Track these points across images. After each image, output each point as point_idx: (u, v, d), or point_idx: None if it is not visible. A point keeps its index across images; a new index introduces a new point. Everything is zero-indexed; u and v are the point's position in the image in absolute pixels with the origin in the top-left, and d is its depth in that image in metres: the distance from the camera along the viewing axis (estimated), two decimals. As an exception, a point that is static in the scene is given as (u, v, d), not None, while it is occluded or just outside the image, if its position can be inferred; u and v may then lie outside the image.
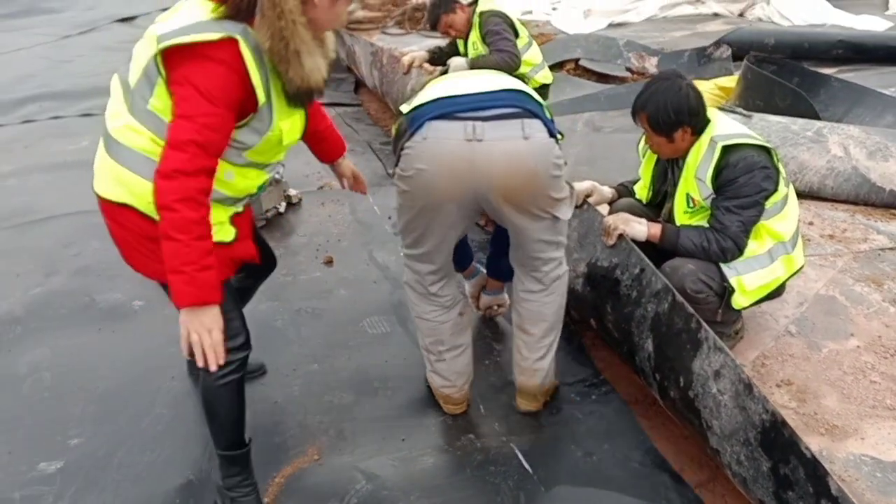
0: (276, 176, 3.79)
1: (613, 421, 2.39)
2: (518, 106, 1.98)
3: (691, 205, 2.48)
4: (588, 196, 2.67)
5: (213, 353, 1.71)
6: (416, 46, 6.98)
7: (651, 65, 6.22)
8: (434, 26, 4.55)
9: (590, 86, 5.93)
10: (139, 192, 1.77)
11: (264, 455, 2.26)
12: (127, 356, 2.72)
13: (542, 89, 4.61)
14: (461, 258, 2.49)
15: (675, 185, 2.54)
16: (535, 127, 1.97)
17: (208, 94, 1.66)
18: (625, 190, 2.84)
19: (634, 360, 2.31)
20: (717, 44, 6.03)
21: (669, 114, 2.33)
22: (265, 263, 2.27)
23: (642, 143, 2.66)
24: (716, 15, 8.86)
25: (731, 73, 5.64)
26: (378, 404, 2.48)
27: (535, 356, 2.33)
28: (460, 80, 2.10)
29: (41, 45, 8.43)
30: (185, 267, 1.65)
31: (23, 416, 2.47)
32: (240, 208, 2.00)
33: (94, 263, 3.45)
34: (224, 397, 1.98)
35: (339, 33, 6.64)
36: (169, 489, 2.15)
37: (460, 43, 4.66)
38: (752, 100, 4.57)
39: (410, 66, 4.86)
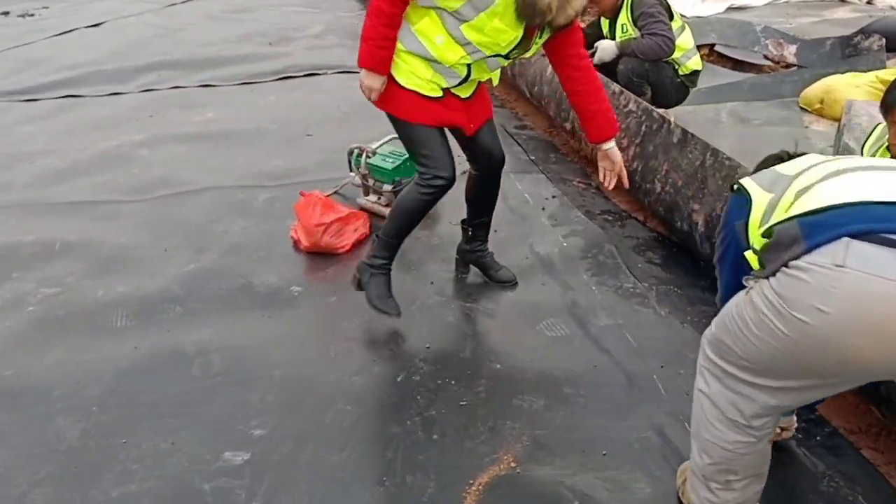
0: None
1: (843, 460, 2.12)
2: None
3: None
4: None
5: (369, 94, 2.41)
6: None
7: (790, 53, 5.85)
8: None
9: (726, 73, 5.62)
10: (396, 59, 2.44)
11: (455, 458, 2.15)
12: (296, 345, 2.63)
13: (693, 76, 4.35)
14: None
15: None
16: None
17: None
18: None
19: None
20: (866, 33, 5.62)
21: None
22: (485, 160, 2.69)
23: (870, 142, 2.41)
24: (843, 1, 8.34)
25: (884, 66, 5.25)
26: (572, 413, 2.31)
27: None
28: (891, 176, 1.46)
29: (148, 13, 8.43)
30: (370, 40, 2.34)
31: (198, 399, 2.40)
32: (447, 83, 2.43)
33: (244, 242, 3.36)
34: (416, 206, 2.56)
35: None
36: (364, 494, 2.04)
37: (605, 24, 4.43)
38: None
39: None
